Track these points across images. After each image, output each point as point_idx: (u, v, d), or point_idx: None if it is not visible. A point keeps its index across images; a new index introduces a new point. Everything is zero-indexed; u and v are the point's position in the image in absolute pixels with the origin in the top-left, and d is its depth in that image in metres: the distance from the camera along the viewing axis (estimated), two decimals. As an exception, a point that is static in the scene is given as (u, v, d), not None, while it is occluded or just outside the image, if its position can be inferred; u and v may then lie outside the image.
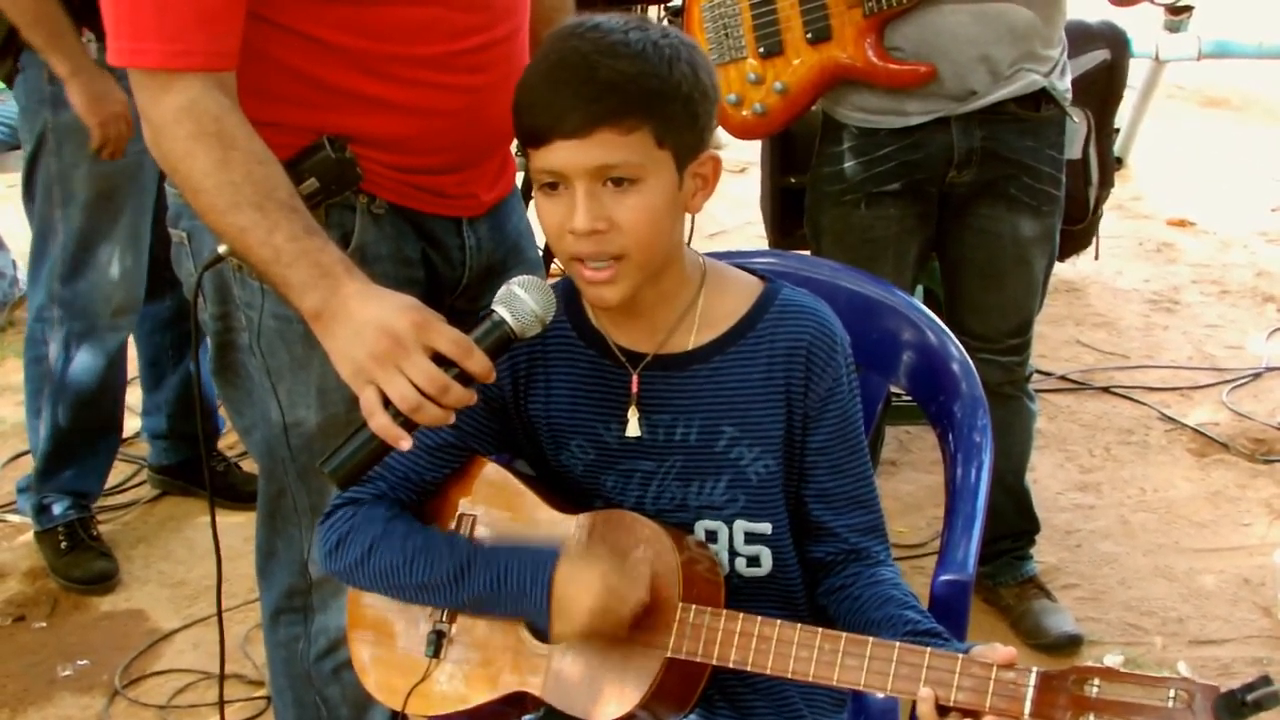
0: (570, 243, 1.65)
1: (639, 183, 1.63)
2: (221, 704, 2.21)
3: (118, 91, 3.04)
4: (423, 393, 1.59)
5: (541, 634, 1.70)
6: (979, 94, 2.68)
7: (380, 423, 1.61)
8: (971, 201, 2.82)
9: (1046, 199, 2.83)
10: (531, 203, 2.58)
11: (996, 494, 3.08)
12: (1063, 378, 4.35)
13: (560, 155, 1.62)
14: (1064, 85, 2.77)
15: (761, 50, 2.73)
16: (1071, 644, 3.05)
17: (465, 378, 1.62)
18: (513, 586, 1.66)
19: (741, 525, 1.77)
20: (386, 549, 1.73)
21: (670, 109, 1.63)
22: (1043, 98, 2.74)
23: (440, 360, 1.61)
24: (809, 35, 2.69)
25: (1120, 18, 3.49)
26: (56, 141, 3.16)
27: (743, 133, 2.88)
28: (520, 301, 1.65)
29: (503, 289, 1.66)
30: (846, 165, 2.79)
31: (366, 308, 1.66)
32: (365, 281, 1.72)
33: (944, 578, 1.91)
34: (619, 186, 1.62)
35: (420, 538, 1.73)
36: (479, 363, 1.61)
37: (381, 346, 1.62)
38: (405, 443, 1.60)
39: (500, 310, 1.65)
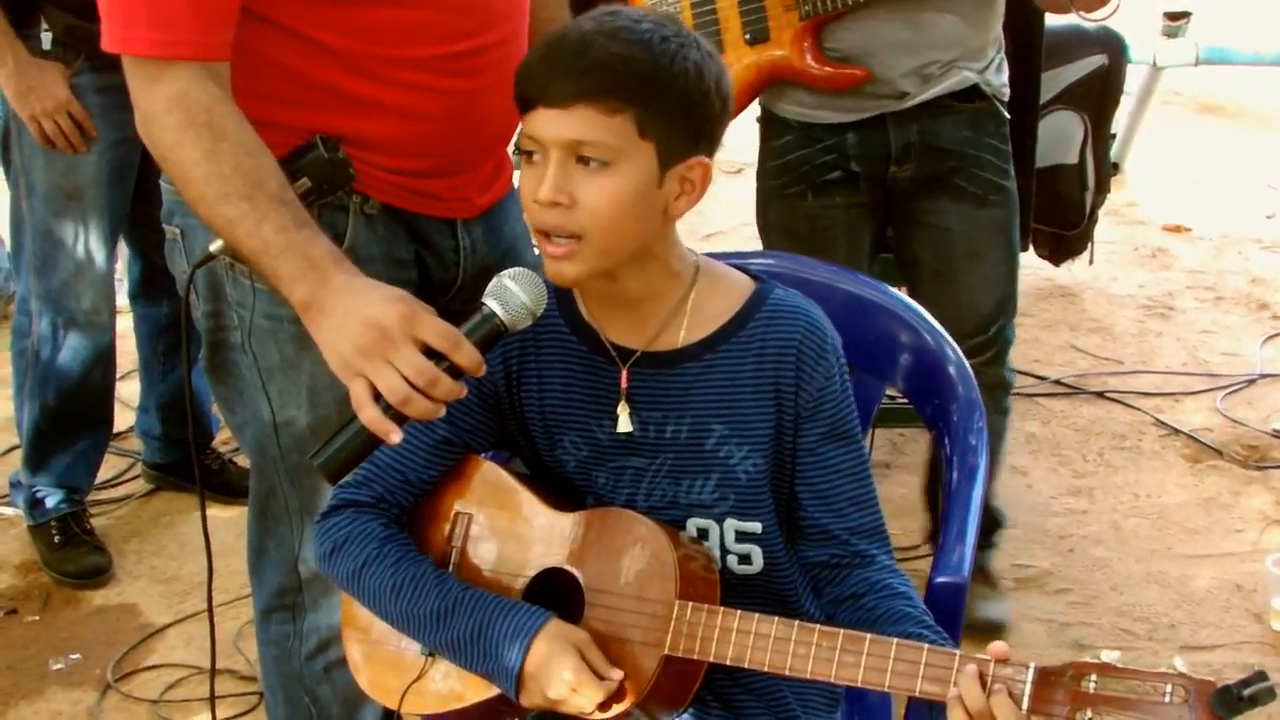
0: (535, 213, 1.65)
1: (610, 166, 1.62)
2: (212, 699, 2.21)
3: (55, 86, 3.04)
4: (412, 385, 1.59)
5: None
6: (911, 95, 2.71)
7: (370, 415, 1.60)
8: (917, 197, 2.83)
9: (993, 189, 2.82)
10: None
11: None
12: (1057, 382, 4.35)
13: (540, 123, 1.63)
14: (999, 80, 2.79)
15: None
16: (993, 630, 3.05)
17: (455, 370, 1.61)
18: (489, 643, 1.65)
19: (732, 524, 1.77)
20: (378, 571, 1.73)
21: (660, 100, 1.62)
22: (975, 93, 2.75)
23: (430, 353, 1.61)
24: (747, 36, 2.72)
25: (1118, 23, 3.49)
26: (16, 131, 3.16)
27: None
28: (511, 294, 1.65)
29: (494, 281, 1.66)
30: (789, 158, 2.81)
31: (354, 300, 1.66)
32: (354, 273, 1.72)
33: (940, 579, 1.91)
34: (589, 166, 1.62)
35: (412, 569, 1.72)
36: (468, 355, 1.61)
37: (369, 339, 1.62)
38: (395, 436, 1.60)
39: (490, 303, 1.65)
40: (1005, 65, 2.82)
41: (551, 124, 1.62)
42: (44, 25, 3.06)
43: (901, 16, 2.64)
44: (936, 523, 3.20)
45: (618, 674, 1.63)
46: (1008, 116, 2.84)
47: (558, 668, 1.61)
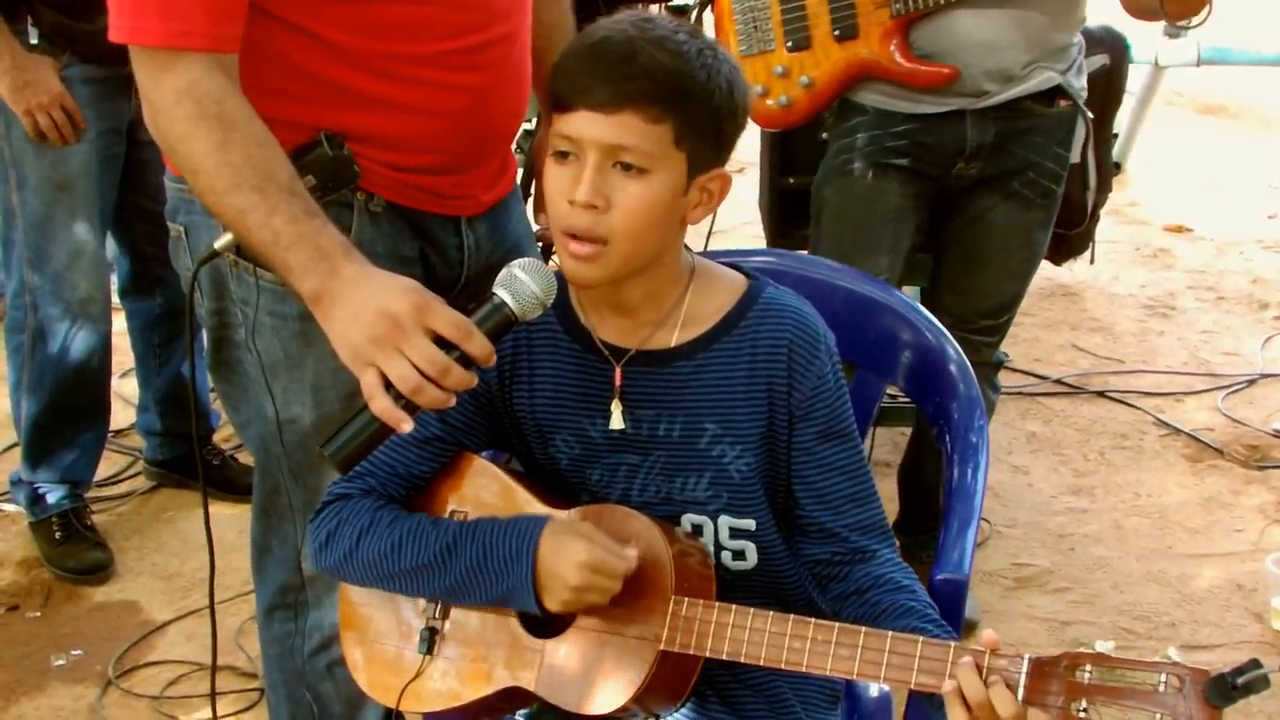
0: (565, 213, 1.65)
1: (647, 174, 1.64)
2: (213, 696, 2.21)
3: (49, 80, 3.05)
4: (424, 375, 1.59)
5: (532, 622, 1.70)
6: (992, 94, 2.72)
7: (381, 405, 1.60)
8: (970, 192, 2.87)
9: (1041, 193, 2.87)
10: (530, 200, 2.59)
11: (936, 476, 3.11)
12: (1058, 381, 4.36)
13: (580, 124, 1.63)
14: (1079, 83, 2.82)
15: (789, 44, 2.77)
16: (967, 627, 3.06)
17: (466, 360, 1.61)
18: (498, 560, 1.66)
19: (726, 521, 1.77)
20: (375, 537, 1.73)
21: (697, 114, 1.64)
22: (1057, 93, 2.77)
23: (440, 343, 1.61)
24: (836, 33, 2.73)
25: (1121, 23, 3.50)
26: (5, 124, 3.16)
27: (766, 122, 2.93)
28: (521, 284, 1.65)
29: (503, 271, 1.66)
30: (858, 136, 2.83)
31: (365, 290, 1.66)
32: (364, 264, 1.72)
33: (941, 576, 1.92)
34: (627, 172, 1.63)
35: (407, 523, 1.74)
36: (479, 345, 1.61)
37: (381, 328, 1.62)
38: (406, 425, 1.60)
39: (501, 293, 1.65)
40: (1085, 67, 2.84)
41: (594, 127, 1.62)
42: (30, 21, 3.07)
43: (987, 15, 2.66)
44: (907, 512, 3.26)
45: (632, 551, 1.64)
46: (1090, 117, 2.87)
47: (570, 555, 1.62)
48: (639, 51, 1.62)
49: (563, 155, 1.66)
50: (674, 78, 1.62)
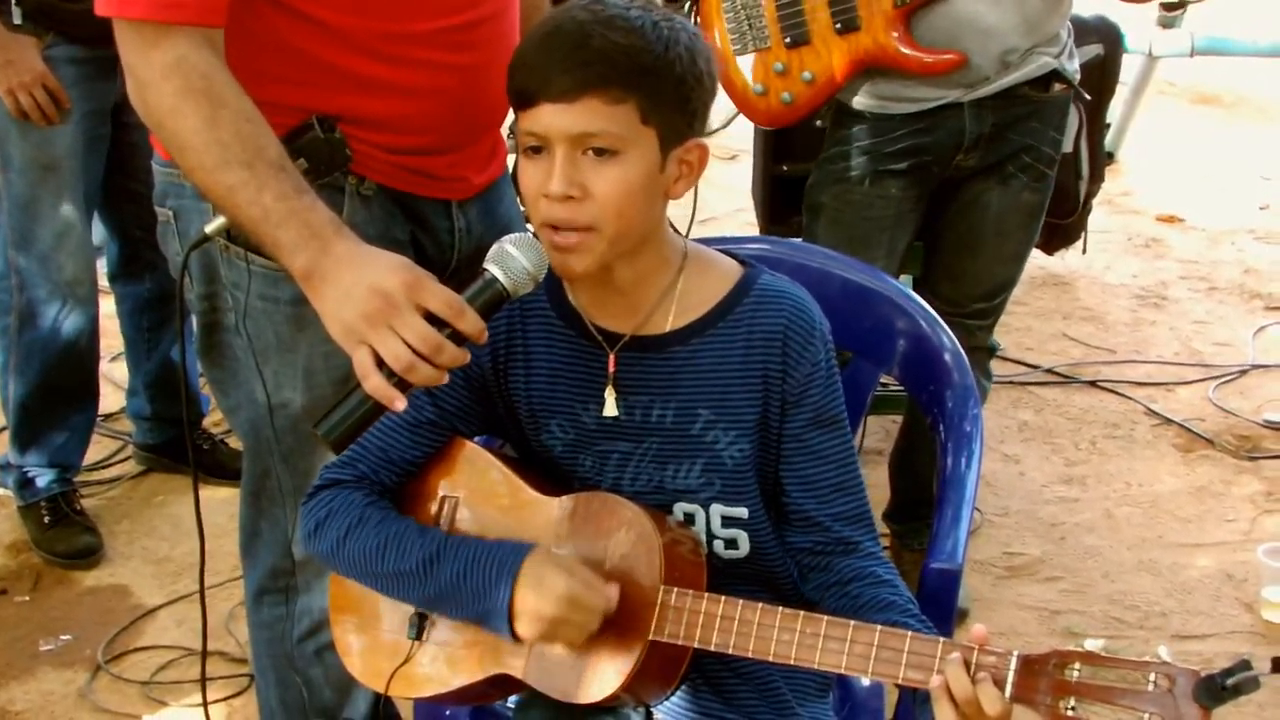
0: (544, 208, 1.65)
1: (619, 155, 1.63)
2: (204, 681, 2.20)
3: (31, 59, 3.03)
4: (416, 352, 1.59)
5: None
6: (990, 80, 2.71)
7: (375, 383, 1.60)
8: (968, 180, 2.87)
9: (1036, 176, 2.87)
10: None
11: (928, 464, 3.11)
12: (1049, 371, 4.35)
13: (544, 118, 1.62)
14: (1073, 67, 2.82)
15: (788, 40, 2.74)
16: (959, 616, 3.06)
17: (458, 337, 1.61)
18: (477, 581, 1.65)
19: (718, 509, 1.77)
20: (361, 535, 1.73)
21: (660, 87, 1.63)
22: (1053, 77, 2.78)
23: (433, 320, 1.60)
24: (837, 25, 2.70)
25: (1114, 12, 3.49)
26: None
27: (769, 121, 2.90)
28: (512, 259, 1.64)
29: (494, 247, 1.66)
30: (856, 145, 2.81)
31: (357, 267, 1.66)
32: (355, 241, 1.71)
33: (934, 566, 1.92)
34: (599, 156, 1.63)
35: (394, 526, 1.73)
36: (471, 322, 1.61)
37: (373, 306, 1.61)
38: (400, 403, 1.60)
39: (492, 268, 1.64)
40: (1075, 53, 2.85)
41: (558, 118, 1.62)
42: (15, 0, 3.05)
43: (987, 2, 2.65)
44: (898, 500, 3.27)
45: (613, 588, 1.63)
46: (1088, 98, 2.87)
47: (550, 587, 1.61)
48: (591, 35, 1.61)
49: (534, 151, 1.66)
50: (630, 55, 1.61)
